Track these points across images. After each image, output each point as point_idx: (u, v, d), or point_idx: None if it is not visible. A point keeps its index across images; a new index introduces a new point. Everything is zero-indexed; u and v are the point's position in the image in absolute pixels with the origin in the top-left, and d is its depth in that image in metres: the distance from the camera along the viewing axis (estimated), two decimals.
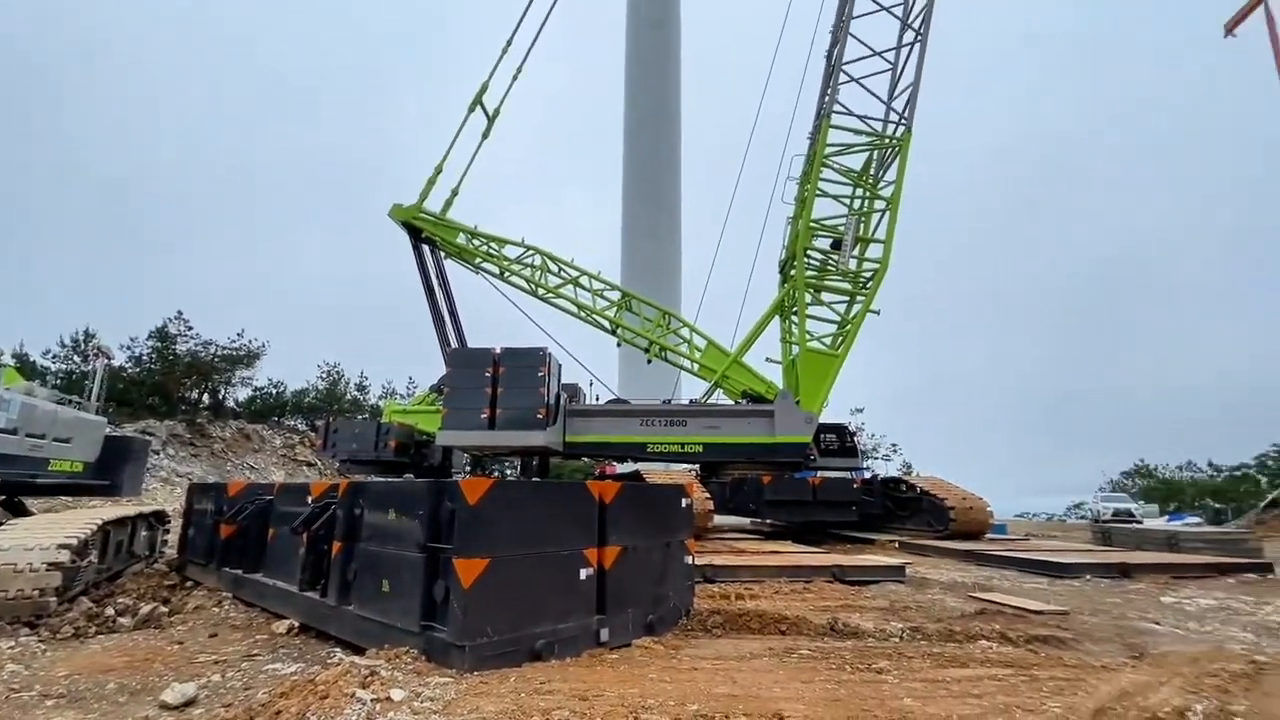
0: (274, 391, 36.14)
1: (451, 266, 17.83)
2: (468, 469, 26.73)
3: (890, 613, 7.05)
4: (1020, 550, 12.67)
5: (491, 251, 17.52)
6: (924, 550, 13.74)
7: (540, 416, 13.81)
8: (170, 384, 29.35)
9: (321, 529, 5.63)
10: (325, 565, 5.53)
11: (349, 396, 39.23)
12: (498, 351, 14.20)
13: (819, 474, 17.11)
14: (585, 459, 23.35)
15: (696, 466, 17.76)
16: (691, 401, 16.97)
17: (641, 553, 5.50)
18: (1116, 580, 10.24)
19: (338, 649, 5.02)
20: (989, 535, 16.10)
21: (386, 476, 16.25)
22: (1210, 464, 45.87)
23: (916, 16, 16.67)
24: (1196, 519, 31.20)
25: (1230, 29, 15.05)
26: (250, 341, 32.21)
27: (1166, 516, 32.20)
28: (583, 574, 4.91)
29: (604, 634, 4.92)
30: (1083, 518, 41.06)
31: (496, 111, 18.24)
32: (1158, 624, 6.93)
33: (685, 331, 17.59)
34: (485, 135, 18.22)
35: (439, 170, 17.61)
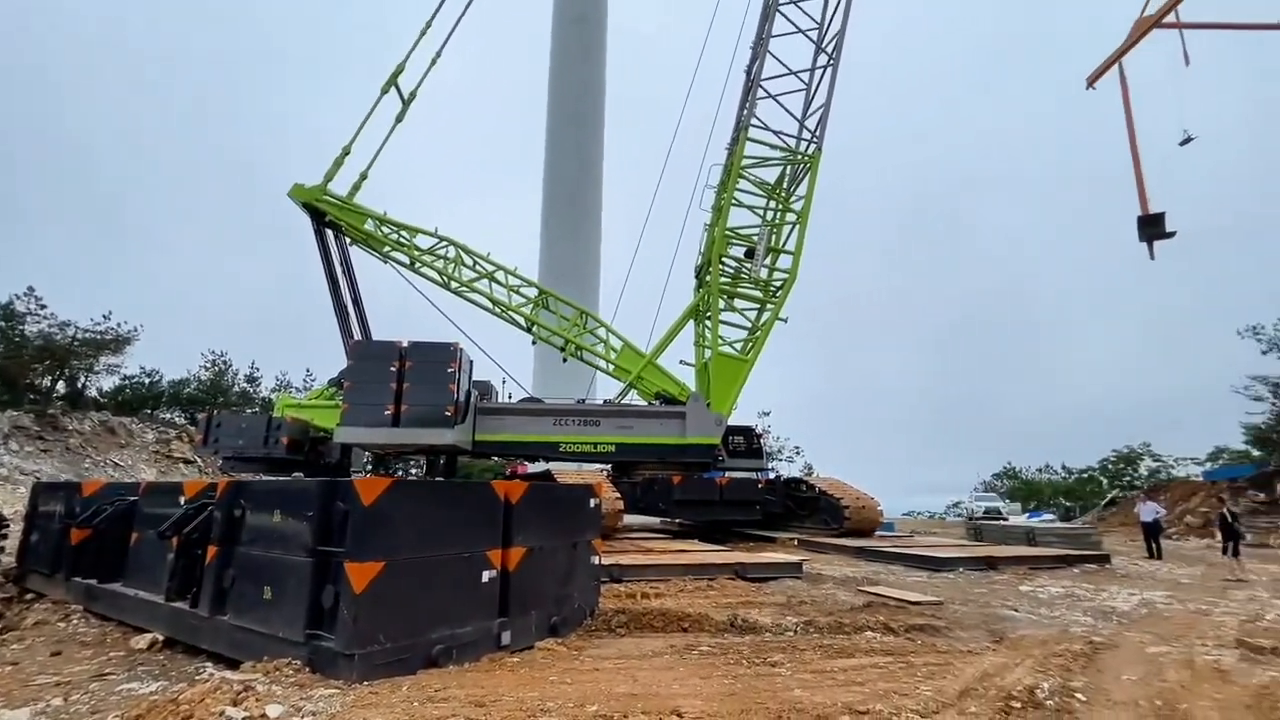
0: (147, 381, 32.69)
1: (359, 255, 16.91)
2: (368, 468, 25.42)
3: (787, 608, 7.38)
4: (905, 546, 13.66)
5: (402, 240, 16.75)
6: (821, 547, 14.51)
7: (449, 414, 13.36)
8: (16, 369, 25.79)
9: (195, 532, 5.14)
10: (198, 572, 5.05)
11: (237, 389, 36.17)
12: (405, 345, 13.59)
13: (726, 474, 17.66)
14: (495, 458, 22.80)
15: (608, 466, 17.81)
16: (606, 402, 17.01)
17: (547, 553, 5.44)
18: (984, 572, 11.28)
19: (209, 664, 4.61)
20: (879, 532, 17.25)
21: (276, 475, 15.12)
22: (1064, 467, 51.54)
23: (829, 42, 17.60)
24: (1051, 516, 34.95)
25: (1091, 82, 16.92)
26: (119, 325, 28.92)
27: (1027, 514, 35.83)
28: (485, 576, 4.79)
29: (505, 637, 4.82)
30: (960, 515, 44.89)
31: (413, 95, 17.46)
32: (1016, 611, 7.69)
33: (602, 332, 17.61)
34: (400, 119, 17.39)
35: (346, 151, 16.63)
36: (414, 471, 33.73)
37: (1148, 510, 16.19)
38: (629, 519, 17.49)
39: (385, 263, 16.85)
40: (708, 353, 16.86)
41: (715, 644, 5.48)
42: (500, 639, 4.79)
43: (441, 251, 16.83)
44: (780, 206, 17.47)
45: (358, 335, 16.19)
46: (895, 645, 5.61)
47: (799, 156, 17.40)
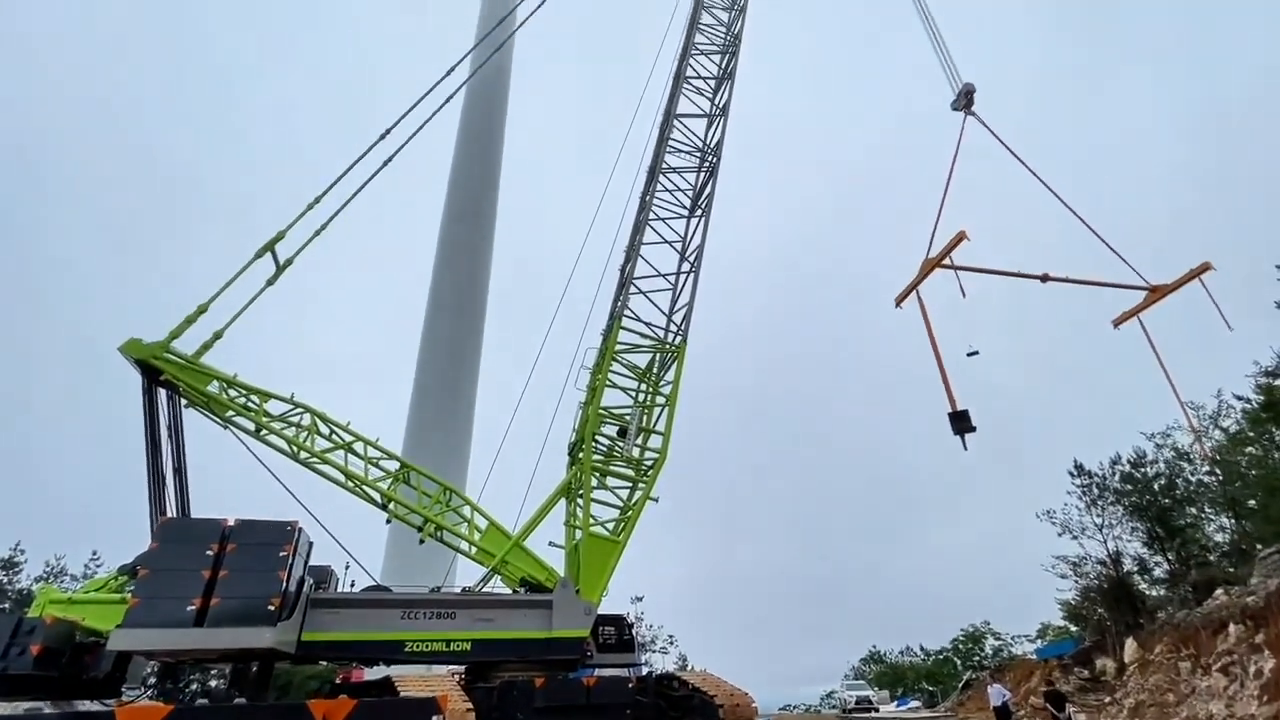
0: None
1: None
2: (151, 685, 20.36)
3: None
4: None
5: (250, 405, 15.38)
6: None
7: (272, 608, 11.35)
8: None
9: None
10: None
11: None
12: (231, 524, 11.82)
13: (595, 673, 16.12)
14: (326, 663, 19.27)
15: (462, 668, 15.65)
16: (464, 590, 15.47)
17: None
18: None
19: None
20: None
21: (14, 699, 11.60)
22: (922, 648, 53.06)
23: (692, 254, 20.42)
24: (917, 702, 35.04)
25: (898, 302, 20.68)
26: None
27: (896, 701, 35.68)
28: None
29: None
30: (834, 706, 43.59)
31: (289, 262, 17.25)
32: None
33: (466, 510, 16.57)
34: (270, 283, 16.92)
35: (202, 310, 15.64)
36: (215, 683, 27.30)
37: (995, 694, 16.83)
38: None
39: (225, 428, 15.20)
40: (579, 533, 16.31)
41: None
42: None
43: (294, 418, 15.59)
44: (650, 389, 18.57)
45: (172, 513, 13.91)
46: None
47: (667, 346, 19.03)
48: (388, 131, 19.02)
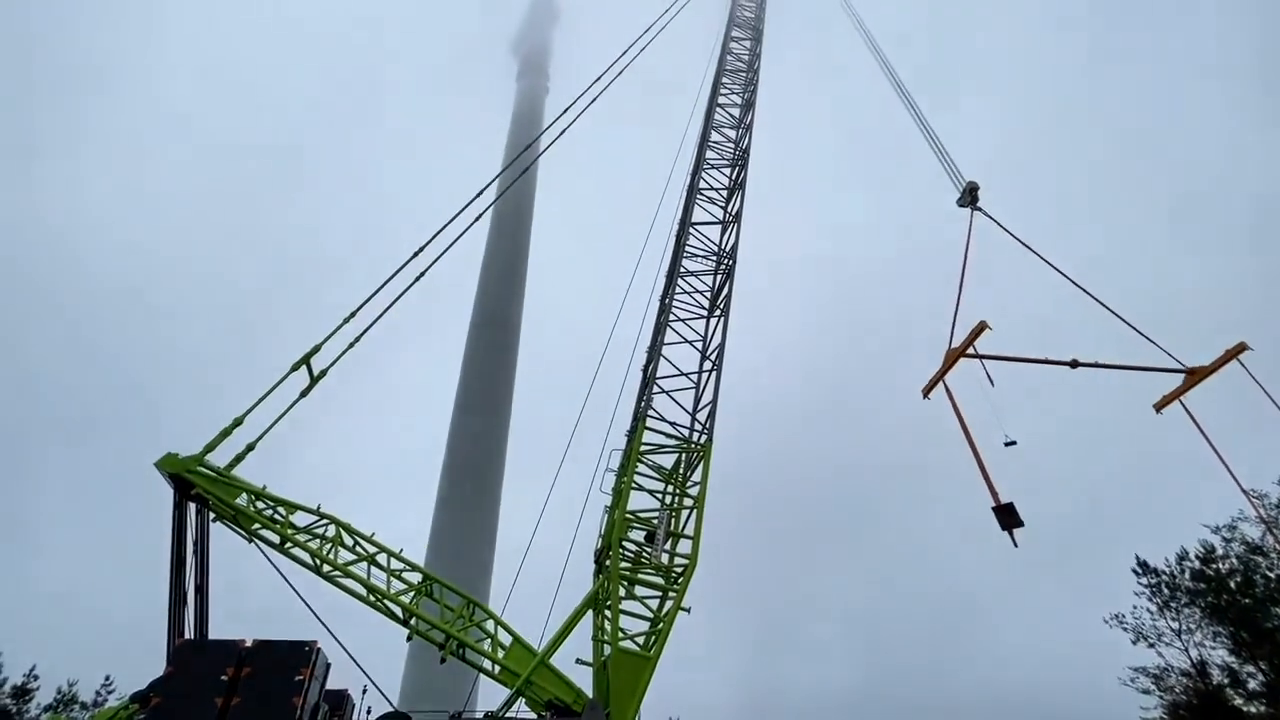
0: None
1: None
2: None
3: None
4: None
5: (277, 517, 15.31)
6: None
7: None
8: None
9: None
10: None
11: None
12: (247, 645, 11.41)
13: None
14: None
15: None
16: (487, 715, 14.43)
17: None
18: None
19: None
20: None
21: None
22: None
23: (713, 352, 20.71)
24: None
25: (925, 393, 20.36)
26: None
27: None
28: None
29: None
30: None
31: (323, 373, 17.77)
32: None
33: (490, 625, 15.79)
34: (304, 394, 17.37)
35: (238, 423, 16.02)
36: None
37: None
38: None
39: (250, 542, 15.07)
40: (607, 648, 15.33)
41: None
42: None
43: (320, 530, 15.43)
44: (678, 491, 18.13)
45: (190, 634, 13.54)
46: None
47: (693, 445, 18.79)
48: (420, 249, 20.23)
